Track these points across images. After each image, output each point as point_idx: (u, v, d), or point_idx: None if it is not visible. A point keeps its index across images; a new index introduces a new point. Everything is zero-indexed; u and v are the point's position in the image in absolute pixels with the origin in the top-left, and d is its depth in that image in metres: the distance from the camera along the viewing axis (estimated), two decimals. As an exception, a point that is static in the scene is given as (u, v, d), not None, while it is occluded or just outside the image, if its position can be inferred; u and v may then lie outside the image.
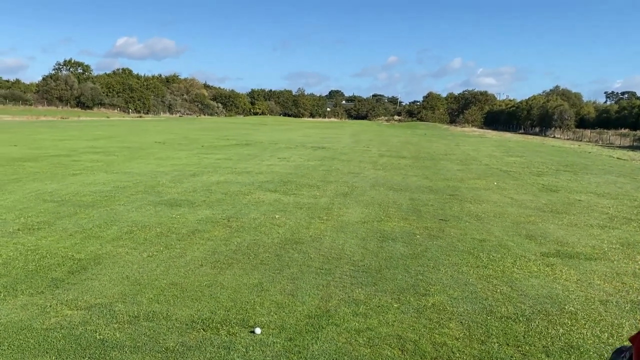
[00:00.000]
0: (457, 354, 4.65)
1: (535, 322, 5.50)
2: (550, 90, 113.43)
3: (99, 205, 10.95)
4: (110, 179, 14.85)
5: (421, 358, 4.56)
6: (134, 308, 5.49)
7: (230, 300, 5.81)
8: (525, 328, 5.32)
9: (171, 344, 4.68)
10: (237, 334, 4.94)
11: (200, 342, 4.76)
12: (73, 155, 21.50)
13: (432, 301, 6.00)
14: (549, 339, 5.07)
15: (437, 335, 5.05)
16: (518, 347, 4.87)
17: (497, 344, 4.90)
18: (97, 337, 4.77)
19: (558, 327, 5.38)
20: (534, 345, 4.91)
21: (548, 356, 4.69)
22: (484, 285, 6.66)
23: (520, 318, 5.59)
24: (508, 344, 4.92)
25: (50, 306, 5.47)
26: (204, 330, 5.02)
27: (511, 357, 4.65)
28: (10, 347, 4.52)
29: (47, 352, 4.44)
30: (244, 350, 4.61)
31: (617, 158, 33.45)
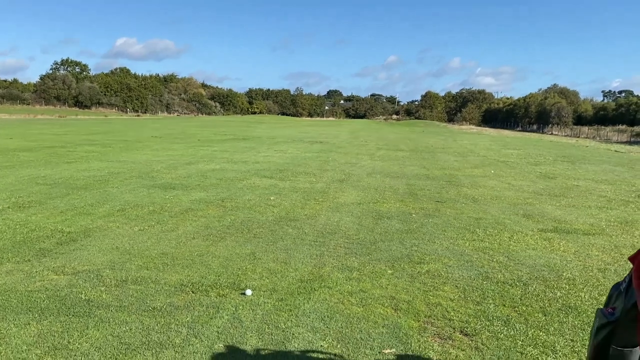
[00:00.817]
0: (452, 313, 4.53)
1: (532, 286, 5.39)
2: (548, 88, 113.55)
3: (91, 188, 10.82)
4: (104, 166, 14.71)
5: (415, 316, 4.43)
6: (122, 274, 5.36)
7: (222, 267, 5.69)
8: (522, 292, 5.21)
9: (159, 304, 4.55)
10: (227, 296, 4.82)
11: (189, 302, 4.63)
12: (68, 147, 21.35)
13: (427, 268, 5.88)
14: (546, 301, 4.95)
15: (431, 297, 4.93)
16: (514, 307, 4.75)
17: (493, 305, 4.78)
18: (83, 297, 4.65)
19: (555, 291, 5.26)
20: (531, 306, 4.79)
21: (545, 315, 4.57)
22: (480, 256, 6.54)
23: (517, 283, 5.47)
24: (504, 305, 4.80)
25: (36, 272, 5.34)
26: (193, 292, 4.90)
27: (508, 316, 4.53)
28: (-7, 306, 4.39)
29: (30, 311, 4.31)
30: (234, 309, 4.49)
31: (615, 151, 33.38)
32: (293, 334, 4.01)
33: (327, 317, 4.37)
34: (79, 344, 3.74)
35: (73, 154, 18.22)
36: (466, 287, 5.27)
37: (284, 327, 4.15)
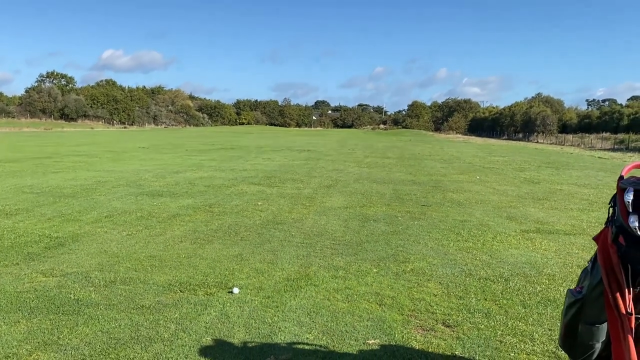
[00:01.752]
0: (435, 307, 4.65)
1: (513, 281, 5.53)
2: (533, 97, 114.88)
3: (79, 196, 10.84)
4: (91, 176, 14.71)
5: (399, 310, 4.55)
6: (110, 275, 5.42)
7: (209, 268, 5.77)
8: (503, 287, 5.34)
9: (147, 303, 4.62)
10: (215, 294, 4.90)
11: (177, 300, 4.71)
12: (55, 158, 21.29)
13: (411, 267, 6.00)
14: (526, 295, 5.09)
15: (415, 293, 5.05)
16: (496, 301, 4.88)
17: (475, 299, 4.91)
18: (72, 297, 4.71)
19: (536, 286, 5.41)
20: (512, 300, 4.93)
21: (525, 308, 4.71)
22: (463, 255, 6.68)
23: (499, 279, 5.61)
24: (486, 299, 4.93)
25: (25, 274, 5.38)
26: (181, 291, 4.97)
27: (489, 309, 4.65)
28: (-18, 306, 4.44)
29: (19, 310, 4.36)
30: (221, 306, 4.57)
31: (598, 157, 33.87)
32: (279, 328, 4.11)
33: (313, 312, 4.47)
34: (68, 339, 3.81)
35: (59, 165, 18.18)
36: (449, 283, 5.40)
37: (270, 321, 4.24)
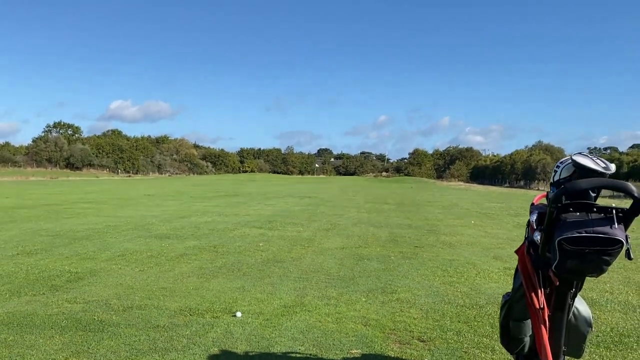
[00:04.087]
0: (413, 327, 5.31)
1: (487, 308, 6.18)
2: (534, 145, 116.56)
3: (92, 238, 11.57)
4: (102, 220, 15.48)
5: (381, 329, 5.21)
6: (127, 302, 6.11)
7: (215, 297, 6.45)
8: (477, 312, 5.99)
9: (161, 323, 5.30)
10: (220, 317, 5.58)
11: (188, 321, 5.39)
12: (65, 204, 22.12)
13: (397, 297, 6.66)
14: (496, 318, 5.71)
15: (397, 317, 5.71)
16: (467, 323, 5.54)
17: (449, 321, 5.57)
18: (96, 319, 5.39)
19: (506, 311, 6.05)
20: (482, 322, 5.58)
21: (492, 328, 5.35)
22: (446, 288, 7.34)
23: (474, 306, 6.26)
24: (459, 321, 5.58)
25: (52, 302, 6.08)
26: (190, 315, 5.65)
27: (460, 328, 5.31)
28: (20, 325, 5.14)
29: (52, 328, 5.05)
30: (226, 326, 5.24)
31: (595, 203, 34.55)
32: (276, 342, 4.77)
33: (306, 330, 5.14)
34: (96, 349, 4.49)
35: (70, 211, 18.98)
36: (429, 309, 6.06)
37: (268, 337, 4.91)
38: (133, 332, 5.00)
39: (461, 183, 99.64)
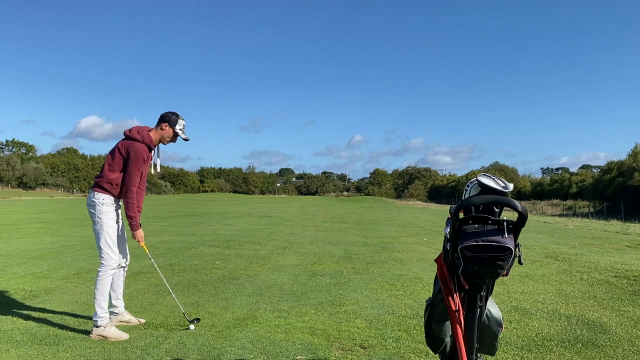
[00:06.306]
0: (356, 335, 5.68)
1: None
2: (490, 165, 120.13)
3: (47, 257, 11.55)
4: (56, 240, 15.36)
5: (326, 338, 5.57)
6: (83, 318, 6.29)
7: (169, 312, 6.68)
8: (417, 322, 6.42)
9: (116, 336, 5.51)
10: (174, 330, 5.83)
11: (142, 334, 5.62)
12: (17, 224, 21.71)
13: (345, 309, 7.04)
14: (434, 327, 6.18)
15: (343, 326, 6.08)
16: (407, 331, 5.95)
17: (390, 330, 5.97)
18: (51, 333, 5.57)
19: (445, 321, 6.50)
20: (420, 330, 5.99)
21: (430, 335, 5.78)
22: (392, 300, 7.76)
23: (416, 316, 6.69)
24: (400, 330, 5.99)
25: (7, 318, 6.20)
26: (145, 328, 5.88)
27: (400, 336, 5.71)
28: (-26, 340, 5.27)
29: (7, 342, 5.19)
30: (179, 338, 5.50)
31: (544, 222, 35.94)
32: (227, 351, 5.07)
33: (256, 340, 5.45)
34: (52, 361, 4.68)
35: (23, 230, 18.69)
36: (373, 319, 6.45)
37: (219, 347, 5.20)
38: (88, 344, 5.20)
39: (419, 202, 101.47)
